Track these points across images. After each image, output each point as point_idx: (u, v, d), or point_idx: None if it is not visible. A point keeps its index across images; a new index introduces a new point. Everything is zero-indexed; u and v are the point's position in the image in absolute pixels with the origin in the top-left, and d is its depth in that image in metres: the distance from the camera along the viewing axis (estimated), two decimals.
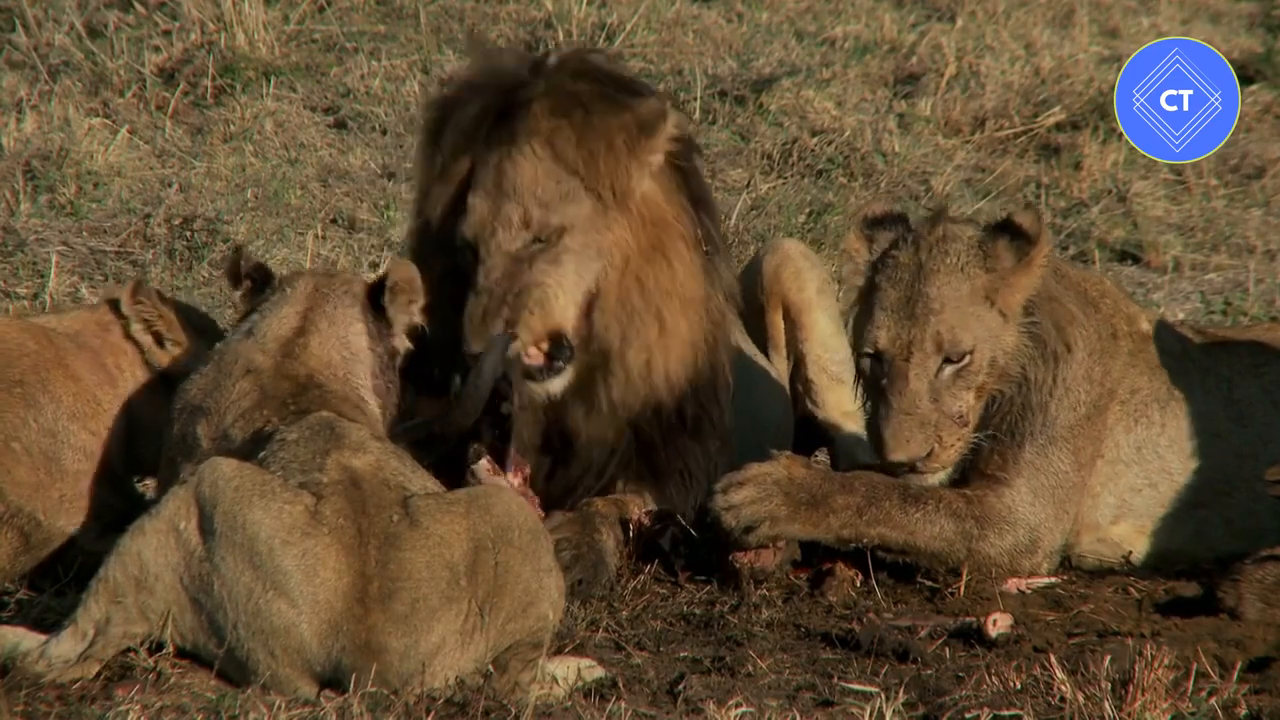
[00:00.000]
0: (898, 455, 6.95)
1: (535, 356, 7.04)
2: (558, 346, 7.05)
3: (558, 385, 7.09)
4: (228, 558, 5.81)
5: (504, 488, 6.55)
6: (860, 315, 7.16)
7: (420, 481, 6.14)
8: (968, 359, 7.02)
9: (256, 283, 6.82)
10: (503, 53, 7.44)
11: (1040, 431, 7.10)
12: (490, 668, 5.93)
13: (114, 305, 7.06)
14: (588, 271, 7.09)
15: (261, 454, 6.11)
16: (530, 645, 6.00)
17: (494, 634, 5.93)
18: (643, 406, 7.18)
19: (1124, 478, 7.26)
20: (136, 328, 7.01)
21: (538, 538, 6.05)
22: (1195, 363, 7.38)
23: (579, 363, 7.10)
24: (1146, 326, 7.38)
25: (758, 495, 6.98)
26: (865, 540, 7.02)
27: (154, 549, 5.86)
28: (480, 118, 7.16)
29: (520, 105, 7.10)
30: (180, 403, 6.54)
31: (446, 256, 7.17)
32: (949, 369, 7.01)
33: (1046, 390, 7.11)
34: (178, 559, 5.85)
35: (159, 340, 7.04)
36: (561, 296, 7.04)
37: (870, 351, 7.05)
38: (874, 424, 7.06)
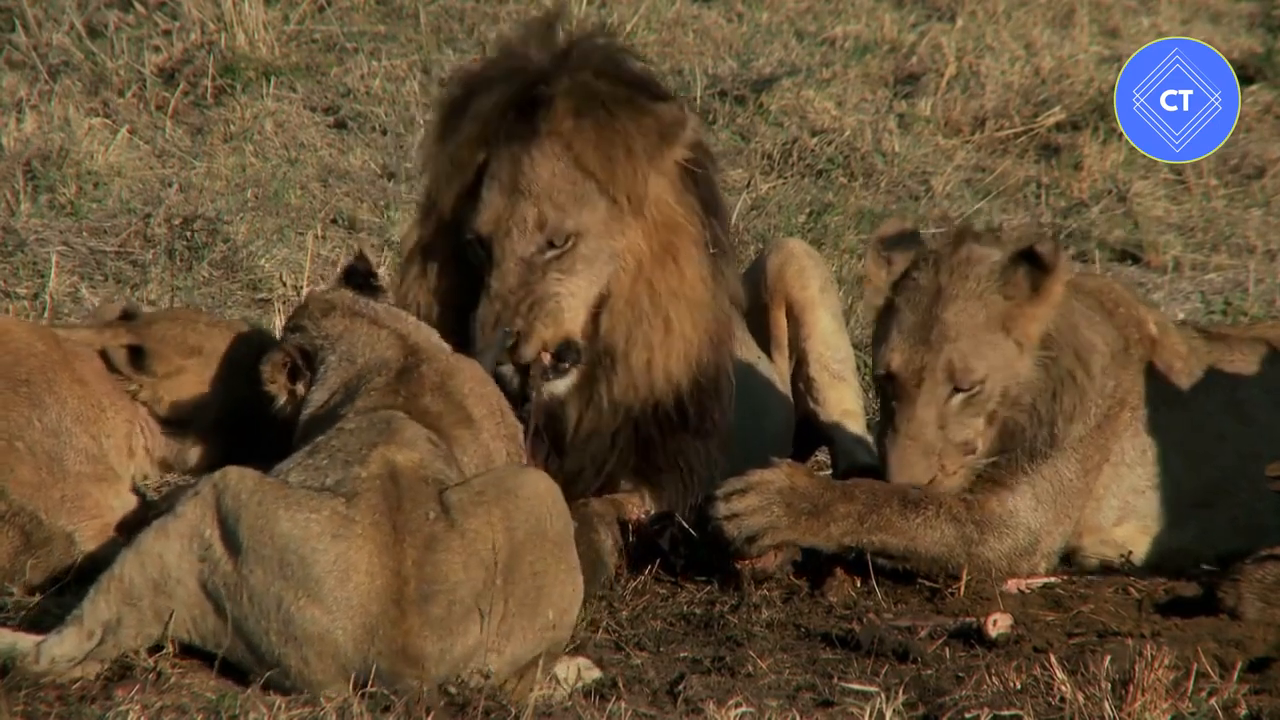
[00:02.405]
0: (900, 479, 6.94)
1: (541, 358, 7.02)
2: (565, 348, 7.04)
3: (562, 386, 7.08)
4: (256, 570, 5.74)
5: (525, 466, 6.48)
6: (878, 335, 7.09)
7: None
8: (979, 388, 6.95)
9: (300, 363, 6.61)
10: (527, 37, 7.26)
11: (1049, 443, 7.07)
12: (489, 670, 5.92)
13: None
14: (599, 277, 7.07)
15: (320, 438, 6.06)
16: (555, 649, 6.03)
17: (532, 639, 5.92)
18: (640, 403, 7.16)
19: (1127, 479, 7.25)
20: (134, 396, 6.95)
21: (567, 517, 6.02)
22: (1200, 363, 7.38)
23: (583, 363, 7.10)
24: (1154, 329, 7.36)
25: (759, 504, 6.96)
26: (866, 547, 7.01)
27: (177, 554, 5.79)
28: (500, 108, 7.08)
29: (542, 101, 7.04)
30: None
31: (453, 243, 7.14)
32: (959, 397, 6.95)
33: (1063, 414, 7.08)
34: (202, 565, 5.79)
35: (159, 395, 6.96)
36: (574, 306, 7.03)
37: (883, 373, 7.00)
38: (881, 444, 7.05)
